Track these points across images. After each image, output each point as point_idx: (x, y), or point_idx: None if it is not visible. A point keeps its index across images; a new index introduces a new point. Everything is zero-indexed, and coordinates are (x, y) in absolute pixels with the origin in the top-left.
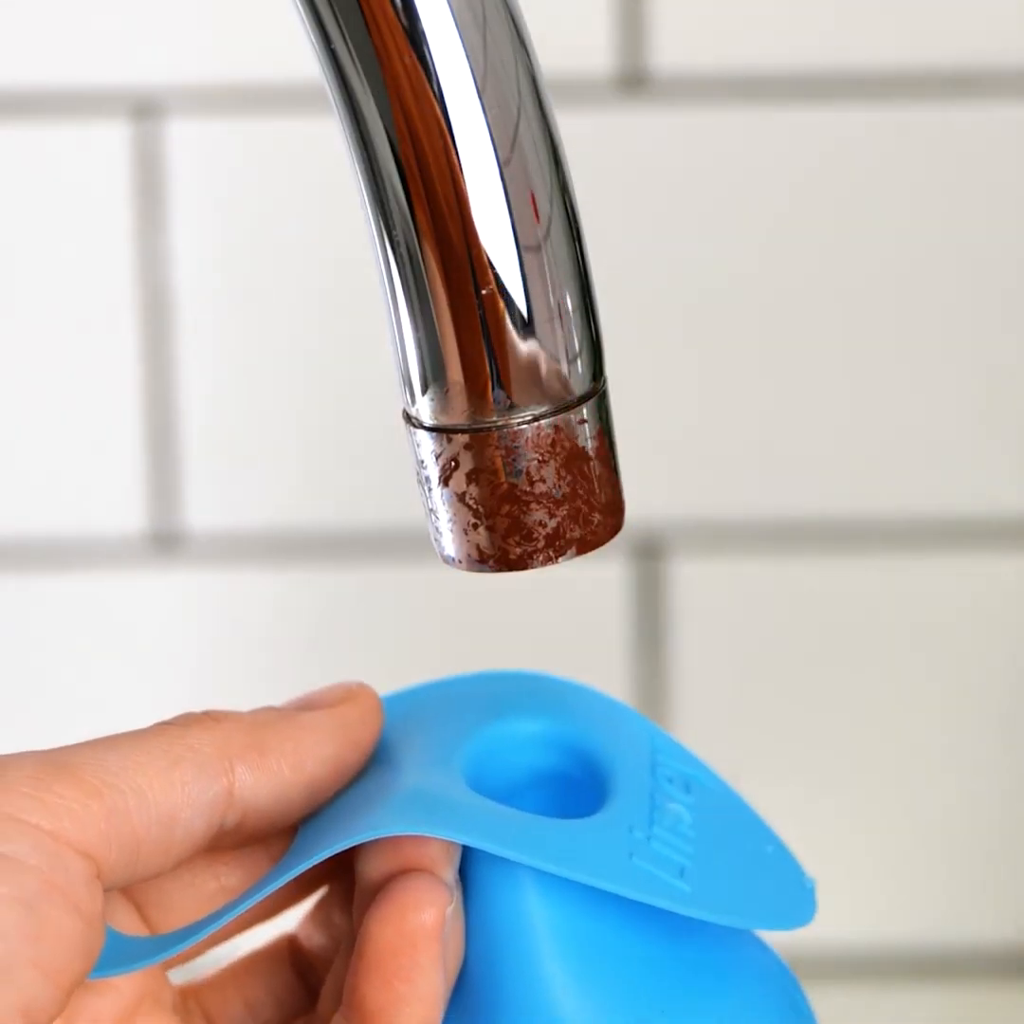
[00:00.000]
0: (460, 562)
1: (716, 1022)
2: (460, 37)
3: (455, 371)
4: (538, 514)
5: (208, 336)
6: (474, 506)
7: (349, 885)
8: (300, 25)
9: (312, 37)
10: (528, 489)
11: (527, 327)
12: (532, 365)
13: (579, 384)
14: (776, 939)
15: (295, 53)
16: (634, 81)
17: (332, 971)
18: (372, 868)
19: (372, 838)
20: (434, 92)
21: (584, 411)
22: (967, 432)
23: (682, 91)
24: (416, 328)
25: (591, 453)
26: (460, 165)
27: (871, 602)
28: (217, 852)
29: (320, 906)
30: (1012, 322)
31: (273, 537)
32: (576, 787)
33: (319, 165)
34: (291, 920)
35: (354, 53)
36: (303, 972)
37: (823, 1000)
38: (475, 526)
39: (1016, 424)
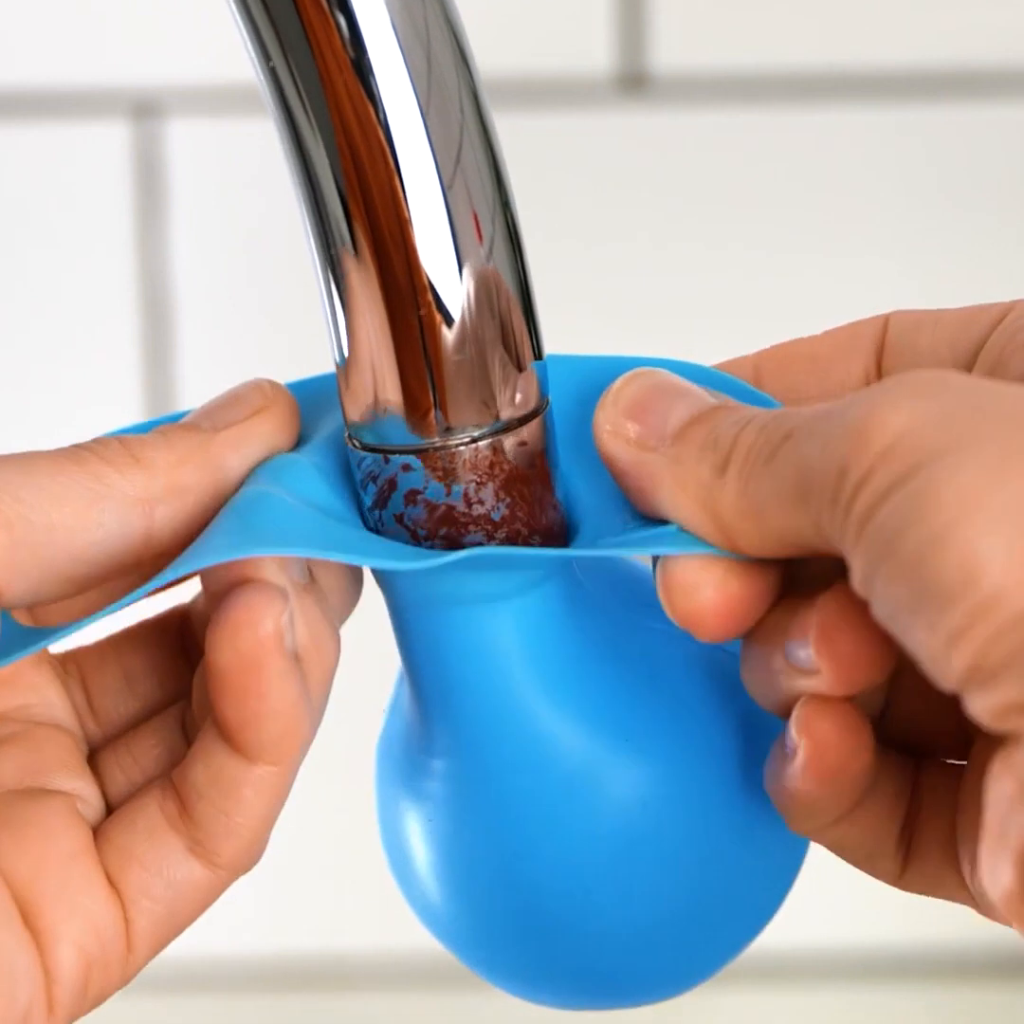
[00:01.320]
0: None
1: (679, 746)
2: (403, 58)
3: (393, 392)
4: (476, 536)
5: (208, 336)
6: (412, 527)
7: None
8: (242, 44)
9: (253, 56)
10: (466, 511)
11: (465, 348)
12: (470, 386)
13: (519, 405)
14: (779, 937)
15: None
16: (634, 81)
17: (199, 668)
18: (209, 581)
19: (192, 570)
20: (378, 117)
21: (524, 432)
22: None
23: (682, 91)
24: (354, 347)
25: (530, 475)
26: (402, 188)
27: None
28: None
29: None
30: None
31: None
32: None
33: None
34: (192, 590)
35: (296, 75)
36: (188, 649)
37: (824, 999)
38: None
39: None
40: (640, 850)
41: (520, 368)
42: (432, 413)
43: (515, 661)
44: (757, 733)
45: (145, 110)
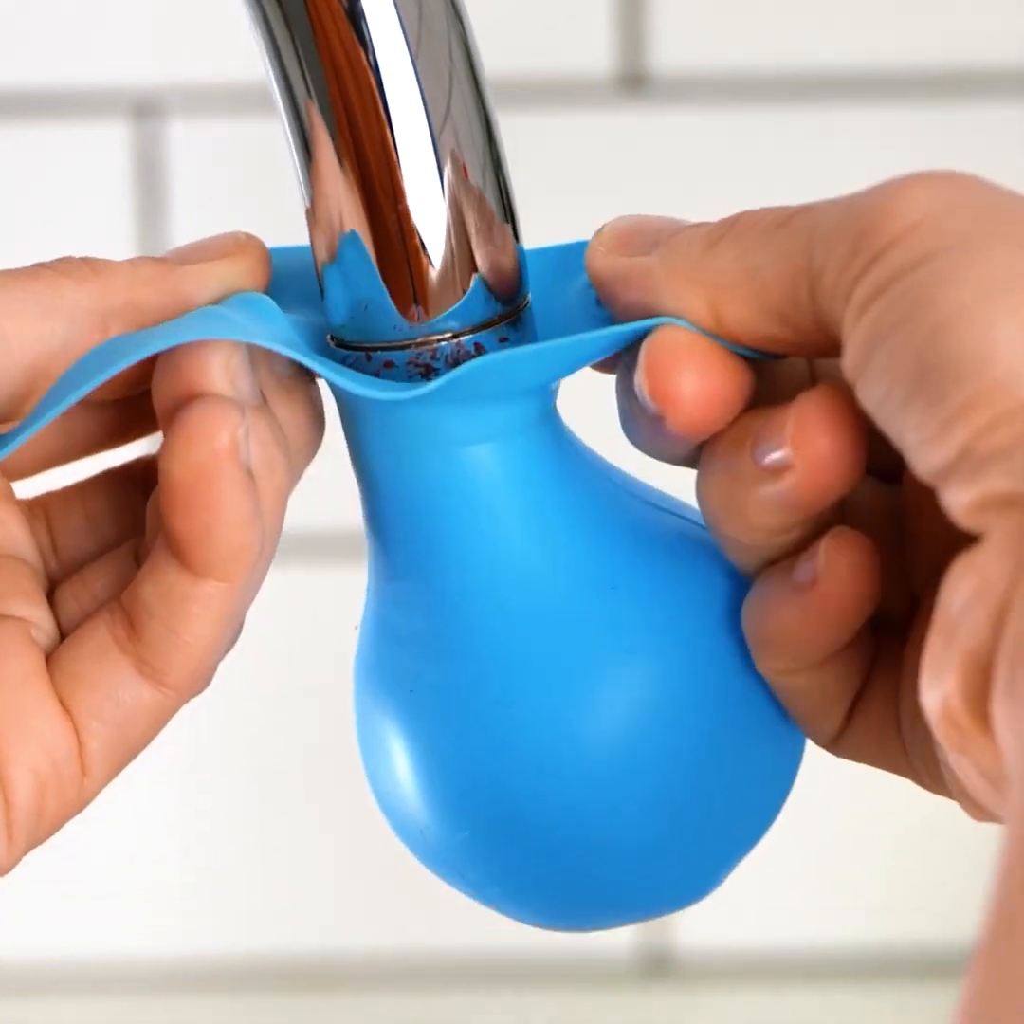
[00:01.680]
0: None
1: (669, 607)
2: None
3: (373, 288)
4: None
5: None
6: None
7: None
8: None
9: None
10: None
11: (447, 242)
12: (452, 281)
13: (501, 301)
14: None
15: None
16: (634, 81)
17: (153, 494)
18: (161, 396)
19: (149, 354)
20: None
21: (504, 329)
22: None
23: (682, 91)
24: (334, 246)
25: None
26: (380, 79)
27: None
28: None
29: None
30: None
31: None
32: None
33: None
34: (154, 444)
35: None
36: (149, 495)
37: (824, 1000)
38: None
39: None
40: (629, 704)
41: (501, 265)
42: (412, 307)
43: (497, 504)
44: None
45: (145, 110)
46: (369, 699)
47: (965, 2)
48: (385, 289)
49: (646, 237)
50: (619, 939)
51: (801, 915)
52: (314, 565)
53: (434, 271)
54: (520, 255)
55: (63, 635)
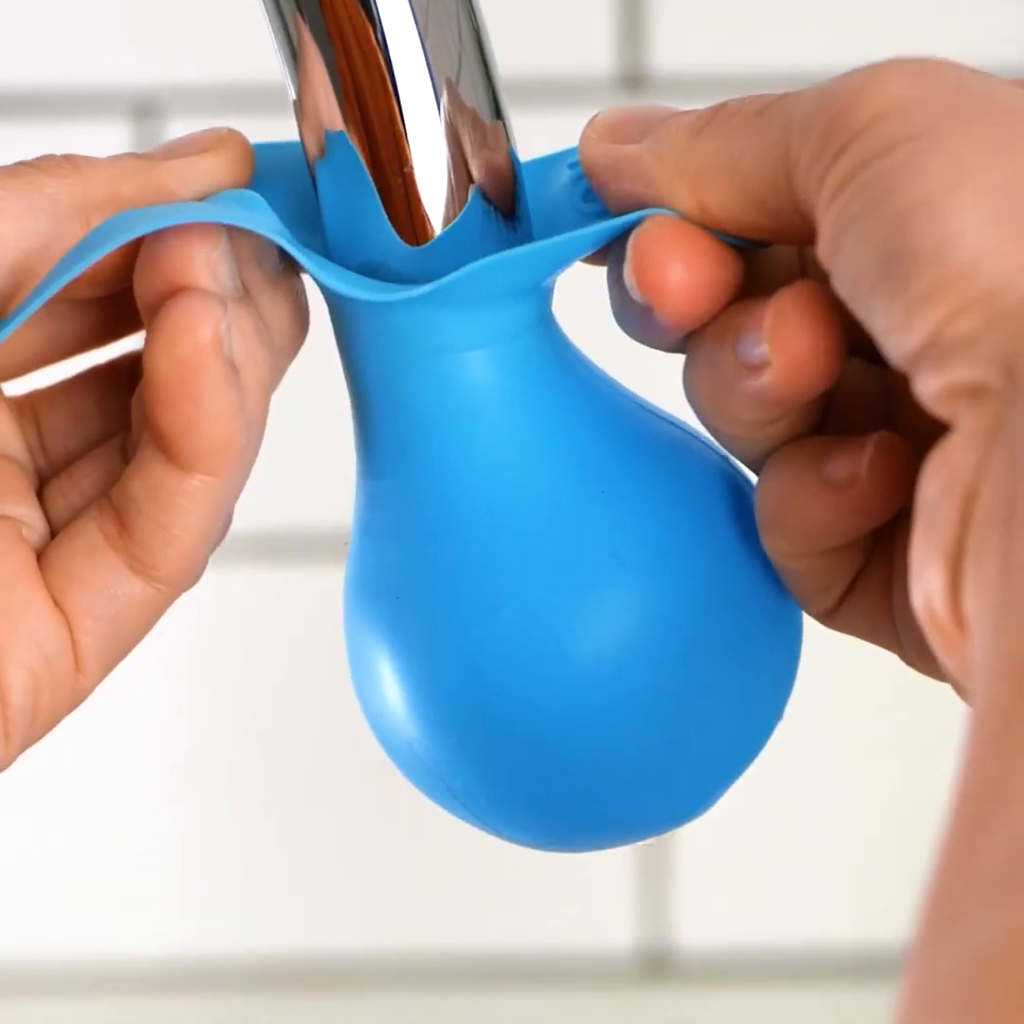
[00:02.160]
0: None
1: (659, 506)
2: None
3: (368, 196)
4: None
5: None
6: None
7: None
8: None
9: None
10: None
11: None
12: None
13: (496, 206)
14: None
15: None
16: (634, 81)
17: (138, 390)
18: (143, 292)
19: (141, 233)
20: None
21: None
22: None
23: (682, 91)
24: (320, 142)
25: None
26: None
27: None
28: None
29: None
30: None
31: (269, 537)
32: None
33: None
34: (139, 341)
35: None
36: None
37: (824, 1000)
38: None
39: None
40: (619, 608)
41: (497, 168)
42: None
43: (491, 408)
44: (751, 524)
45: (145, 110)
46: (355, 610)
47: (965, 2)
48: (379, 201)
49: (637, 125)
50: (619, 939)
51: (801, 915)
52: (315, 564)
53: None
54: (514, 158)
55: (53, 533)
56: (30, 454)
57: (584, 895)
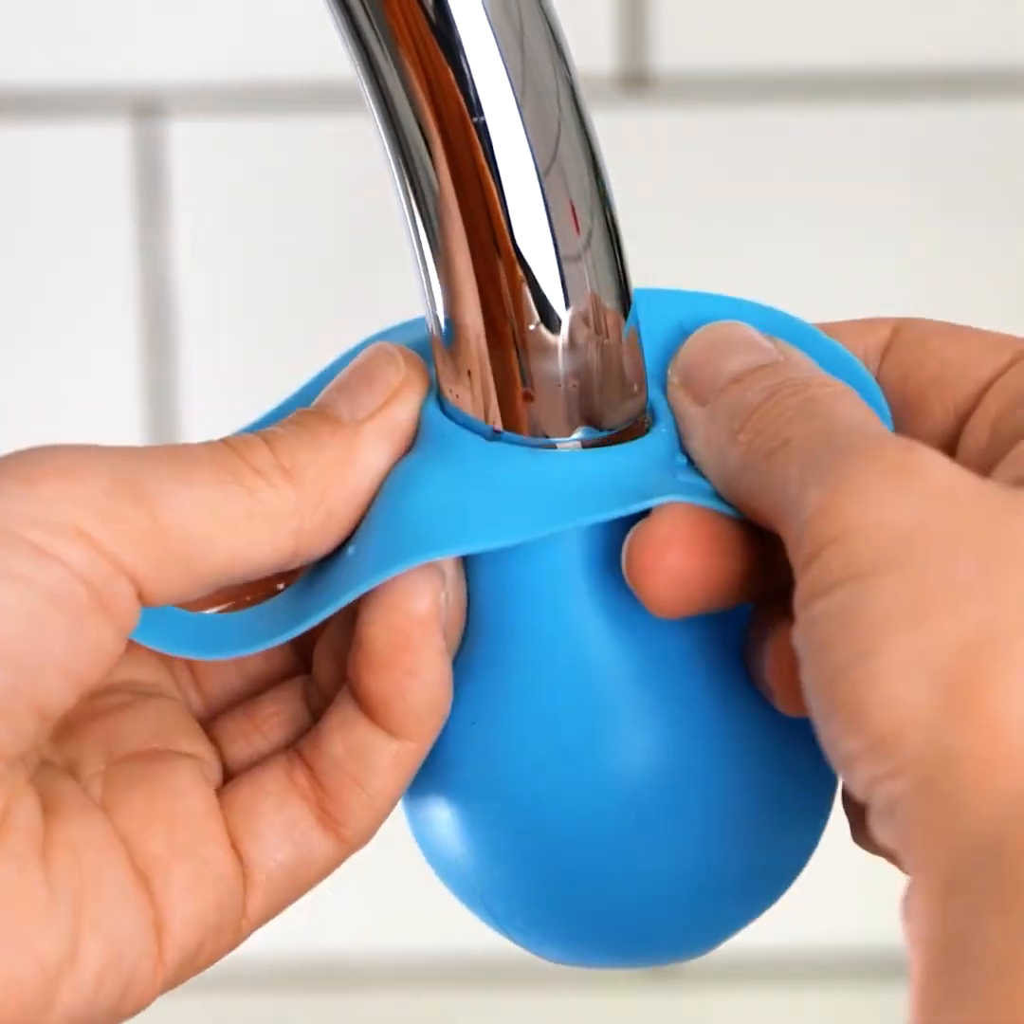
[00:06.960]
0: None
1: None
2: (498, 49)
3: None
4: None
5: (208, 336)
6: None
7: None
8: (337, 34)
9: (350, 49)
10: None
11: (573, 363)
12: (572, 403)
13: (620, 421)
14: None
15: (295, 53)
16: (635, 81)
17: (325, 635)
18: None
19: (371, 586)
20: (471, 102)
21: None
22: None
23: (683, 91)
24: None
25: None
26: (498, 178)
27: None
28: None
29: None
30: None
31: None
32: None
33: (319, 165)
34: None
35: (390, 62)
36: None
37: (824, 1000)
38: None
39: None
40: (676, 785)
41: (626, 389)
42: (525, 424)
43: (572, 590)
44: None
45: (146, 110)
46: None
47: (965, 2)
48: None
49: (709, 376)
50: None
51: (802, 915)
52: None
53: (554, 395)
54: (642, 388)
55: (227, 771)
56: (183, 693)
57: None
